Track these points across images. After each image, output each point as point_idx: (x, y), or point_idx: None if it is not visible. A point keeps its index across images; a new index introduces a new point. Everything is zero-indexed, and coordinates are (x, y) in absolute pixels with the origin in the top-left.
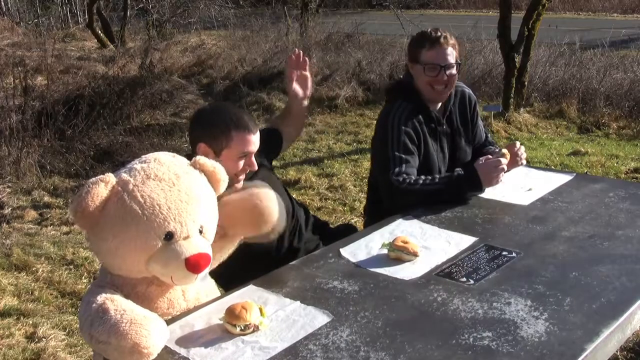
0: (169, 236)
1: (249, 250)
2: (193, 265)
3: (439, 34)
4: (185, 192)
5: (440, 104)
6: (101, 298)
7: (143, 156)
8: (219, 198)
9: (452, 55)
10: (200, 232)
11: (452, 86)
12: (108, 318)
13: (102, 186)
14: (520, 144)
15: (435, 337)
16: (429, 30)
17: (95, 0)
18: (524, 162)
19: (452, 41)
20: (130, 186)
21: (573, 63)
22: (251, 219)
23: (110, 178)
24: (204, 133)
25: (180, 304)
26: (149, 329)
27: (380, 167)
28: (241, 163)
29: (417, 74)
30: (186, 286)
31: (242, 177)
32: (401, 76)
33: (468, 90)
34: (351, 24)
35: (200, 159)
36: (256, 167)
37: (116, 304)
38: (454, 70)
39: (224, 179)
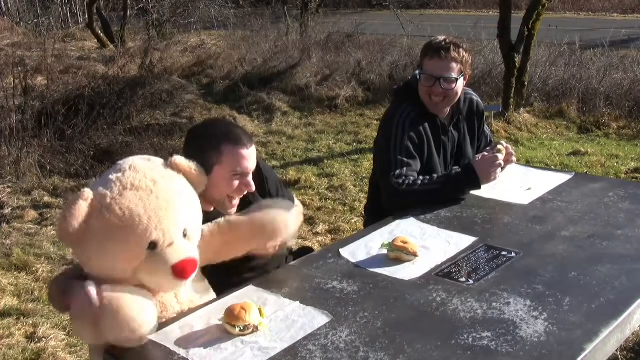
0: (153, 245)
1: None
2: (180, 271)
3: (443, 44)
4: (164, 198)
5: (448, 111)
6: (90, 284)
7: (118, 163)
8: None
9: (453, 68)
10: (185, 235)
11: (451, 100)
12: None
13: (83, 203)
14: (506, 144)
15: (434, 338)
16: (437, 39)
17: (95, 0)
18: (514, 158)
19: (455, 54)
20: (108, 200)
21: (573, 63)
22: (270, 240)
23: (88, 193)
24: (194, 150)
25: (173, 306)
26: (141, 303)
27: (382, 169)
28: (236, 182)
29: (420, 81)
30: (178, 289)
31: (236, 200)
32: (409, 77)
33: (476, 97)
34: (351, 24)
35: (177, 158)
36: (254, 188)
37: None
38: (452, 85)
39: (202, 177)
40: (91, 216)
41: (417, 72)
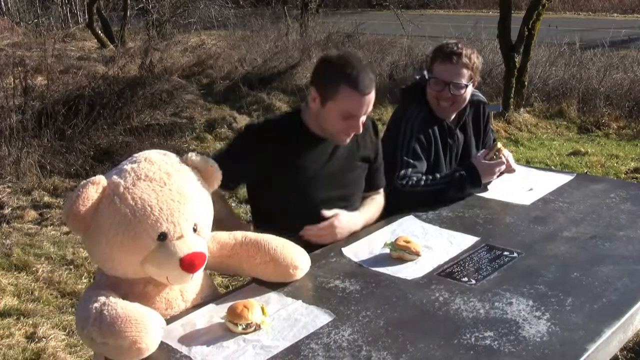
0: (162, 237)
1: None
2: (188, 264)
3: (455, 49)
4: (177, 191)
5: (455, 114)
6: (96, 300)
7: (134, 155)
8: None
9: (463, 75)
10: (195, 230)
11: (459, 105)
12: (103, 319)
13: (92, 188)
14: (507, 154)
15: (437, 337)
16: (449, 43)
17: (95, 0)
18: (515, 167)
19: (467, 60)
20: (121, 189)
21: (573, 63)
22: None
23: (101, 180)
24: (319, 76)
25: (179, 304)
26: (144, 324)
27: (387, 167)
28: (344, 123)
29: (429, 84)
30: (184, 286)
31: (346, 138)
32: (417, 77)
33: (483, 99)
34: (351, 24)
35: (192, 155)
36: (360, 131)
37: (110, 303)
38: (461, 91)
39: (217, 175)
40: (102, 204)
41: (426, 74)
